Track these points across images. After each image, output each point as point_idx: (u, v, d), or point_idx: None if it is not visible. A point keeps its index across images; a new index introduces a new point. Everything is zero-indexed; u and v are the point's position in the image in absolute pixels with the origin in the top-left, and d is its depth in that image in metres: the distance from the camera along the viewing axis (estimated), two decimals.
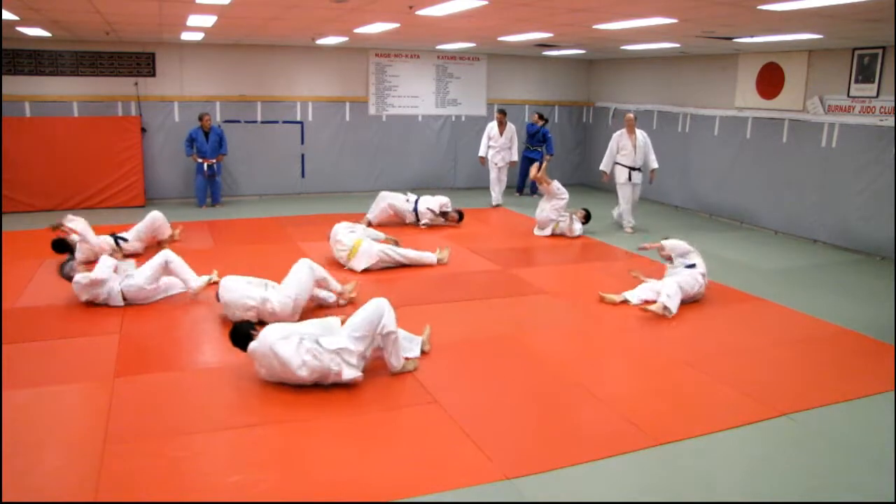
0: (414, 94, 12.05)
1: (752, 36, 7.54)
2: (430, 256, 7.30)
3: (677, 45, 9.14)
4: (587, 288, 6.72)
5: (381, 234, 7.59)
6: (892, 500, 3.28)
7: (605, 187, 12.93)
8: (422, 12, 6.36)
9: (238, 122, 10.95)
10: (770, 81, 9.49)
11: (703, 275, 6.25)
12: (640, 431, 3.85)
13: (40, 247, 7.49)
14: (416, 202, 9.27)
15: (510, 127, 10.97)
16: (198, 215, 9.80)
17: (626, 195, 9.25)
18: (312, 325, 4.51)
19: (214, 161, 10.28)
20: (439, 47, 11.18)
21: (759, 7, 5.31)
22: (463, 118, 12.44)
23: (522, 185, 11.99)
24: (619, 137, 9.27)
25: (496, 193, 10.98)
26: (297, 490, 3.23)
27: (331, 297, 5.81)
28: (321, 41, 10.11)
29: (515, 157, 11.14)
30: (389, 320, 4.36)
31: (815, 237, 8.88)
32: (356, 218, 8.80)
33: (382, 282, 6.77)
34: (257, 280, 5.51)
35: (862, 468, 3.60)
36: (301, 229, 8.90)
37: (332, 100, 11.54)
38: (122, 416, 3.86)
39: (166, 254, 5.94)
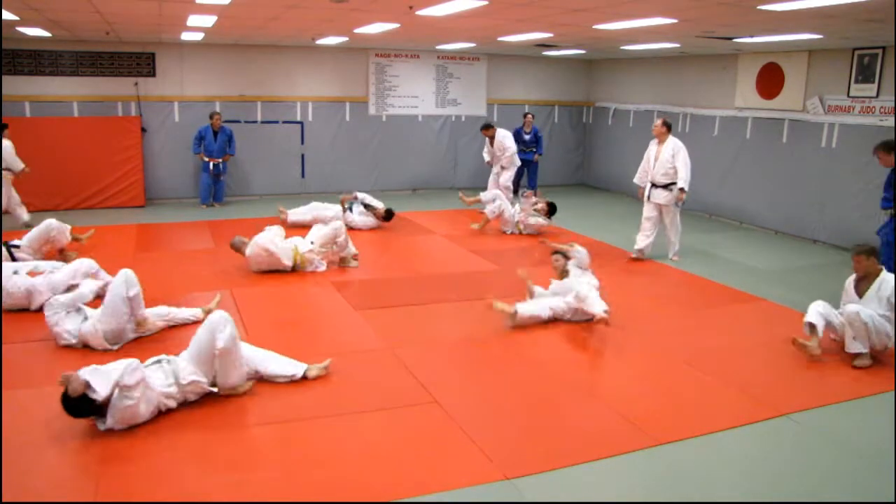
0: (414, 94, 12.05)
1: (752, 36, 7.54)
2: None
3: (677, 45, 9.14)
4: None
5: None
6: (892, 500, 3.28)
7: (604, 187, 12.97)
8: (422, 12, 6.37)
9: (238, 122, 10.94)
10: (770, 81, 9.49)
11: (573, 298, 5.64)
12: (640, 431, 3.85)
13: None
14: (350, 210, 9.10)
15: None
16: (198, 215, 9.80)
17: (645, 216, 7.87)
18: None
19: (221, 161, 10.30)
20: (439, 47, 11.18)
21: (759, 7, 5.32)
22: (463, 118, 12.44)
23: (517, 187, 11.54)
24: (651, 146, 7.89)
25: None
26: (297, 490, 3.23)
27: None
28: (321, 41, 10.11)
29: (541, 151, 11.51)
30: (224, 337, 3.98)
31: (815, 237, 8.87)
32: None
33: (381, 283, 6.77)
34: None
35: (862, 468, 3.60)
36: (301, 229, 8.89)
37: (332, 100, 11.54)
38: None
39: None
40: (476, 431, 3.79)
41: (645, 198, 7.83)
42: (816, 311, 4.98)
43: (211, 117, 10.21)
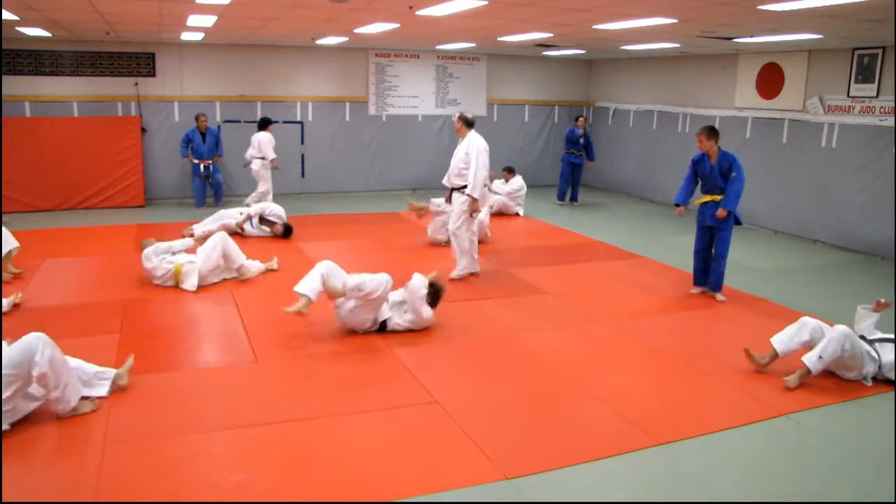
0: (414, 94, 12.06)
1: (752, 36, 7.54)
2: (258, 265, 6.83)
3: (677, 45, 9.14)
4: (587, 288, 6.73)
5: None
6: (892, 500, 3.28)
7: (604, 187, 12.97)
8: (422, 12, 6.37)
9: (238, 122, 10.95)
10: (770, 81, 9.49)
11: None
12: (640, 431, 3.85)
13: (40, 247, 7.51)
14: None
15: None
16: (198, 215, 9.77)
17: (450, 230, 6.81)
18: None
19: (211, 162, 10.28)
20: (439, 47, 11.18)
21: (759, 7, 5.32)
22: None
23: (564, 192, 11.36)
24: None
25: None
26: (297, 490, 3.23)
27: None
28: (321, 41, 10.11)
29: (593, 157, 11.19)
30: (43, 360, 3.61)
31: (814, 237, 8.88)
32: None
33: None
34: None
35: (862, 468, 3.60)
36: (301, 229, 8.90)
37: (332, 100, 11.55)
38: (121, 416, 3.86)
39: None
40: (476, 431, 3.79)
41: (440, 207, 7.18)
42: (794, 334, 4.62)
43: (197, 119, 10.14)
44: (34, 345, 3.63)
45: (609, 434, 3.83)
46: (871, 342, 4.60)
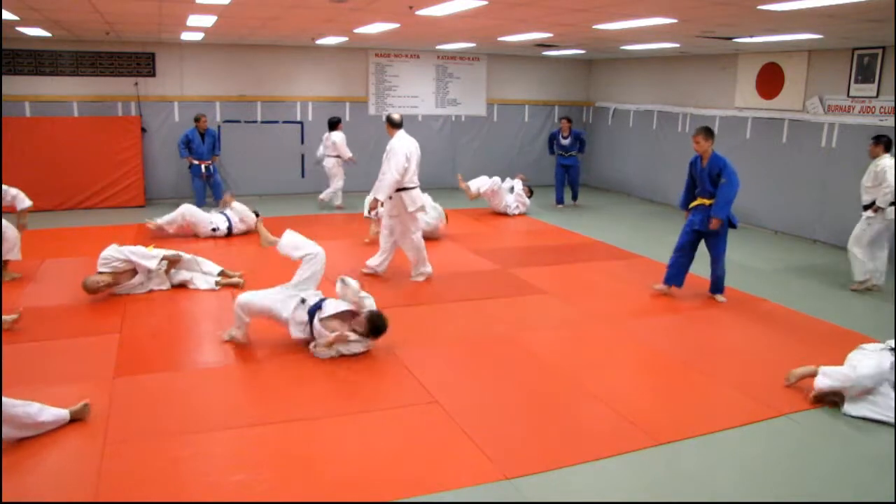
0: (414, 94, 12.06)
1: (752, 36, 7.54)
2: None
3: (677, 45, 9.14)
4: (587, 288, 6.73)
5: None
6: (892, 501, 3.28)
7: (604, 187, 12.96)
8: (422, 12, 6.37)
9: (238, 122, 10.95)
10: (770, 81, 9.49)
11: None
12: (640, 431, 3.85)
13: (40, 247, 7.52)
14: (228, 217, 8.57)
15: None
16: None
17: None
18: None
19: (210, 162, 10.26)
20: (439, 47, 11.18)
21: (759, 7, 5.32)
22: (463, 118, 12.44)
23: (562, 197, 11.14)
24: None
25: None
26: (298, 490, 3.23)
27: None
28: (321, 41, 10.12)
29: (582, 151, 11.11)
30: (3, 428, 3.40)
31: (814, 237, 8.88)
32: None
33: (381, 283, 6.77)
34: None
35: (862, 468, 3.60)
36: (301, 229, 8.88)
37: (332, 100, 11.55)
38: (122, 416, 3.86)
39: None
40: (476, 431, 3.79)
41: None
42: (843, 383, 4.18)
43: (197, 120, 10.03)
44: None
45: (609, 434, 3.83)
46: None
